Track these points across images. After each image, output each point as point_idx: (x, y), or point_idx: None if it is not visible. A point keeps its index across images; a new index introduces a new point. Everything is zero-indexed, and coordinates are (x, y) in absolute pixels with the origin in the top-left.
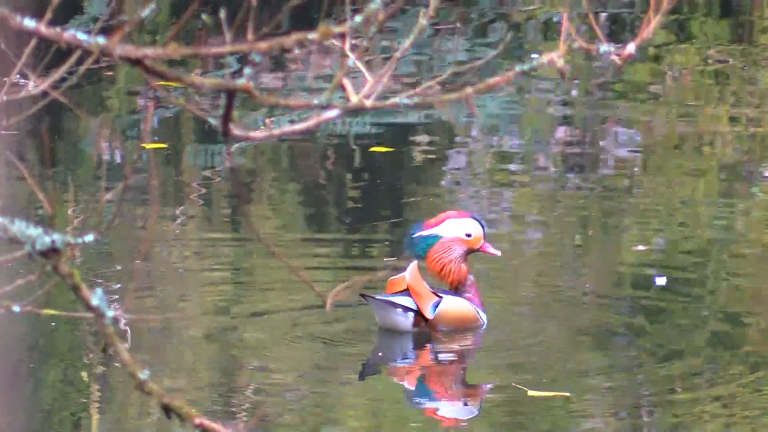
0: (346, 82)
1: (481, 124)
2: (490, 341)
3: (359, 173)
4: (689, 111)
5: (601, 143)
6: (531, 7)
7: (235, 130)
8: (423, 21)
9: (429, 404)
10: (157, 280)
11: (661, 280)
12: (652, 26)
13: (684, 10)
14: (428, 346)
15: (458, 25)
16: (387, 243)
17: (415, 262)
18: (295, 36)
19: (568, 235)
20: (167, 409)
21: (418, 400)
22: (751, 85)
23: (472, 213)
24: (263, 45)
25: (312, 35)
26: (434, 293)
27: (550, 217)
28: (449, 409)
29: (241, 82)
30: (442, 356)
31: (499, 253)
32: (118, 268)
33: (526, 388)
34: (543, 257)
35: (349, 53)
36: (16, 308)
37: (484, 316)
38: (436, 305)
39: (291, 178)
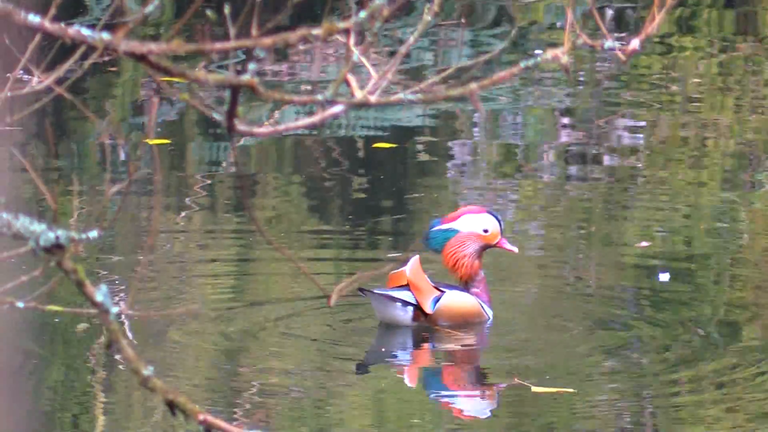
0: (351, 78)
1: (485, 118)
2: (493, 337)
3: (363, 169)
4: (694, 105)
5: (605, 138)
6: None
7: (240, 126)
8: (428, 17)
9: (431, 401)
10: (161, 273)
11: (664, 277)
12: (656, 22)
13: (689, 2)
14: (430, 342)
15: (462, 20)
16: (390, 237)
17: (417, 257)
18: (300, 31)
19: (571, 231)
20: (171, 406)
21: (420, 396)
22: (755, 77)
23: (490, 208)
24: (267, 41)
25: (316, 31)
26: (436, 288)
27: (553, 212)
28: (452, 405)
29: (245, 77)
30: (444, 352)
31: (516, 250)
32: (122, 261)
33: (530, 385)
34: (546, 253)
35: (353, 48)
36: (20, 304)
37: (490, 312)
38: (437, 300)
39: (294, 173)
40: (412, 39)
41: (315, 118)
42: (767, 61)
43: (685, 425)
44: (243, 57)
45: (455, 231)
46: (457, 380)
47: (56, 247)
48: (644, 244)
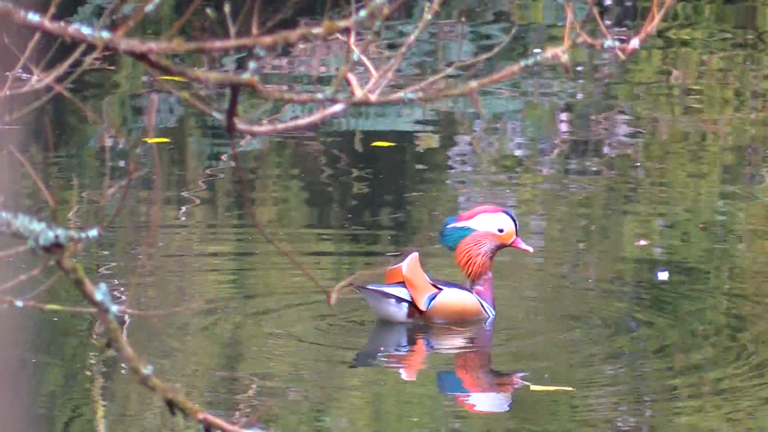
0: (351, 77)
1: (485, 117)
2: (491, 335)
3: (362, 167)
4: (692, 108)
5: (604, 135)
6: None
7: (240, 125)
8: (428, 16)
9: (430, 398)
10: (160, 271)
11: (663, 275)
12: (656, 21)
13: None
14: (427, 340)
15: (462, 19)
16: (389, 235)
17: (415, 254)
18: (300, 30)
19: (569, 230)
20: (171, 405)
21: (418, 395)
22: (755, 72)
23: (506, 208)
24: (268, 39)
25: (317, 30)
26: (434, 285)
27: (552, 210)
28: (451, 403)
29: (245, 76)
30: (441, 351)
31: (531, 249)
32: (121, 259)
33: (528, 383)
34: (545, 252)
35: (353, 47)
36: (19, 303)
37: (491, 311)
38: (433, 297)
39: (293, 172)
40: (412, 37)
41: (315, 117)
42: (767, 56)
43: (683, 422)
44: (244, 55)
45: (470, 229)
46: (455, 379)
47: (56, 246)
48: (642, 242)
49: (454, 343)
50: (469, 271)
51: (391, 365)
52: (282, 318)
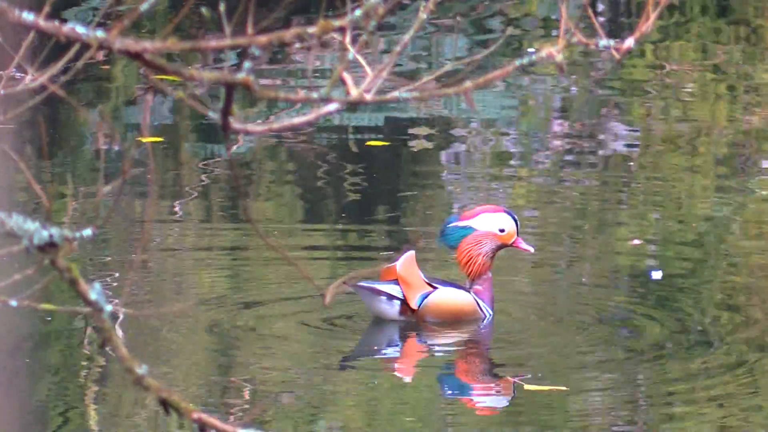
0: (346, 76)
1: (479, 117)
2: (486, 335)
3: (356, 167)
4: (686, 105)
5: (598, 137)
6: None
7: (235, 124)
8: (423, 15)
9: (424, 398)
10: (154, 269)
11: (656, 275)
12: (650, 21)
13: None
14: (422, 339)
15: (458, 19)
16: (384, 234)
17: (411, 252)
18: (295, 30)
19: (563, 230)
20: (165, 404)
21: (412, 394)
22: (747, 80)
23: (507, 208)
24: (262, 39)
25: (311, 29)
26: (429, 284)
27: (546, 210)
28: (445, 403)
29: (240, 75)
30: (436, 350)
31: (532, 249)
32: (115, 258)
33: (523, 383)
34: (539, 251)
35: (349, 47)
36: (13, 303)
37: (488, 311)
38: (426, 296)
39: (288, 171)
40: (407, 37)
41: (310, 116)
42: (760, 63)
43: (677, 422)
44: (238, 55)
45: (471, 229)
46: (449, 379)
47: (50, 246)
48: (636, 241)
49: (447, 343)
50: (469, 270)
51: (385, 365)
52: (276, 317)
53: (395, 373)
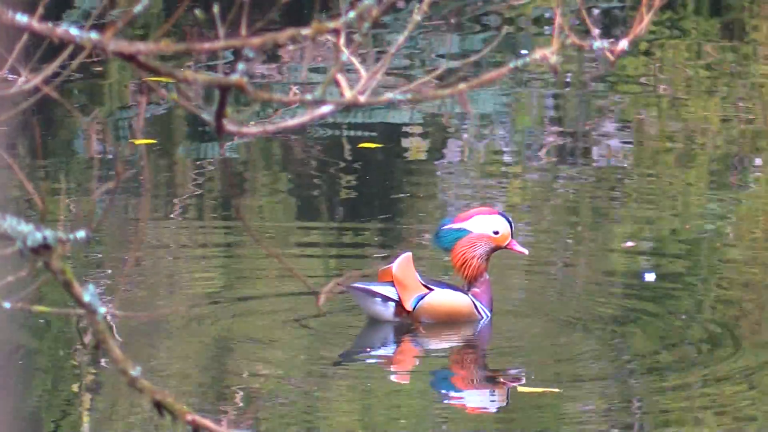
0: (340, 78)
1: (473, 118)
2: (479, 337)
3: (350, 169)
4: (680, 105)
5: (592, 137)
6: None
7: (228, 126)
8: (417, 17)
9: (417, 401)
10: (148, 271)
11: (650, 277)
12: (644, 22)
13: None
14: (416, 341)
15: (452, 20)
16: (377, 236)
17: (408, 254)
18: (289, 31)
19: (557, 231)
20: (159, 406)
21: (406, 395)
22: (741, 79)
23: (501, 210)
24: (256, 40)
25: (305, 31)
26: (425, 286)
27: (539, 212)
28: (438, 405)
29: (234, 77)
30: (431, 352)
31: (526, 252)
32: (109, 260)
33: (515, 384)
34: (532, 254)
35: (342, 48)
36: (6, 305)
37: (485, 312)
38: (421, 298)
39: (282, 173)
40: (401, 39)
41: (304, 118)
42: (754, 63)
43: (671, 424)
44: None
45: (466, 231)
46: (443, 380)
47: (43, 248)
48: (630, 243)
49: (441, 344)
50: (465, 273)
51: (379, 366)
52: (270, 317)
53: (388, 374)
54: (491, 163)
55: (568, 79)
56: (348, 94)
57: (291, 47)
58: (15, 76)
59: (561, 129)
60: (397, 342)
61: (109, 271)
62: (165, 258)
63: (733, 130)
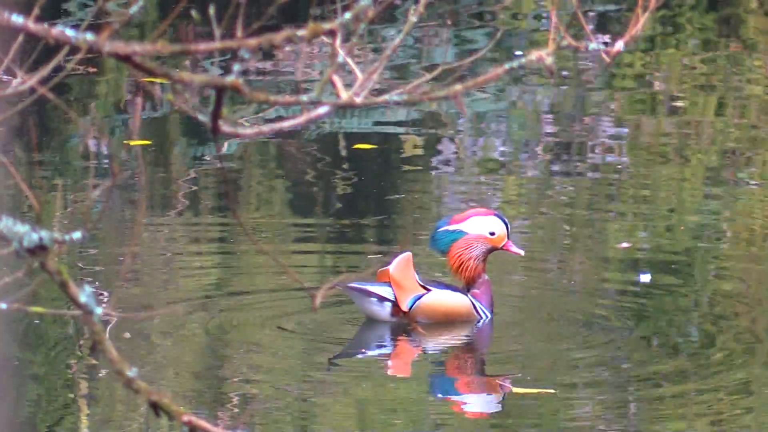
0: (336, 79)
1: (469, 118)
2: (476, 338)
3: (344, 170)
4: (676, 105)
5: (588, 138)
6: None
7: (224, 127)
8: (413, 18)
9: (413, 401)
10: (144, 270)
11: (645, 277)
12: (640, 24)
13: (673, 4)
14: (412, 341)
15: (448, 21)
16: (372, 237)
17: (407, 254)
18: (285, 33)
19: (552, 232)
20: (156, 407)
21: (402, 396)
22: (737, 76)
23: (497, 211)
24: (252, 42)
25: (301, 32)
26: (423, 286)
27: (535, 213)
28: (434, 406)
29: (230, 78)
30: (427, 352)
31: (522, 253)
32: (106, 260)
33: (511, 385)
34: (528, 255)
35: (339, 50)
36: (3, 305)
37: (484, 313)
38: (418, 298)
39: (277, 174)
40: (397, 40)
41: (300, 119)
42: (749, 59)
43: (666, 424)
44: (228, 57)
45: (462, 233)
46: (438, 381)
47: (40, 249)
48: (625, 244)
49: (437, 345)
50: (462, 275)
51: (375, 367)
52: (266, 317)
53: (384, 374)
54: (486, 164)
55: (564, 75)
56: (344, 95)
57: (287, 48)
58: (10, 77)
59: (556, 129)
60: (392, 343)
61: (102, 269)
62: (161, 257)
63: (730, 128)
